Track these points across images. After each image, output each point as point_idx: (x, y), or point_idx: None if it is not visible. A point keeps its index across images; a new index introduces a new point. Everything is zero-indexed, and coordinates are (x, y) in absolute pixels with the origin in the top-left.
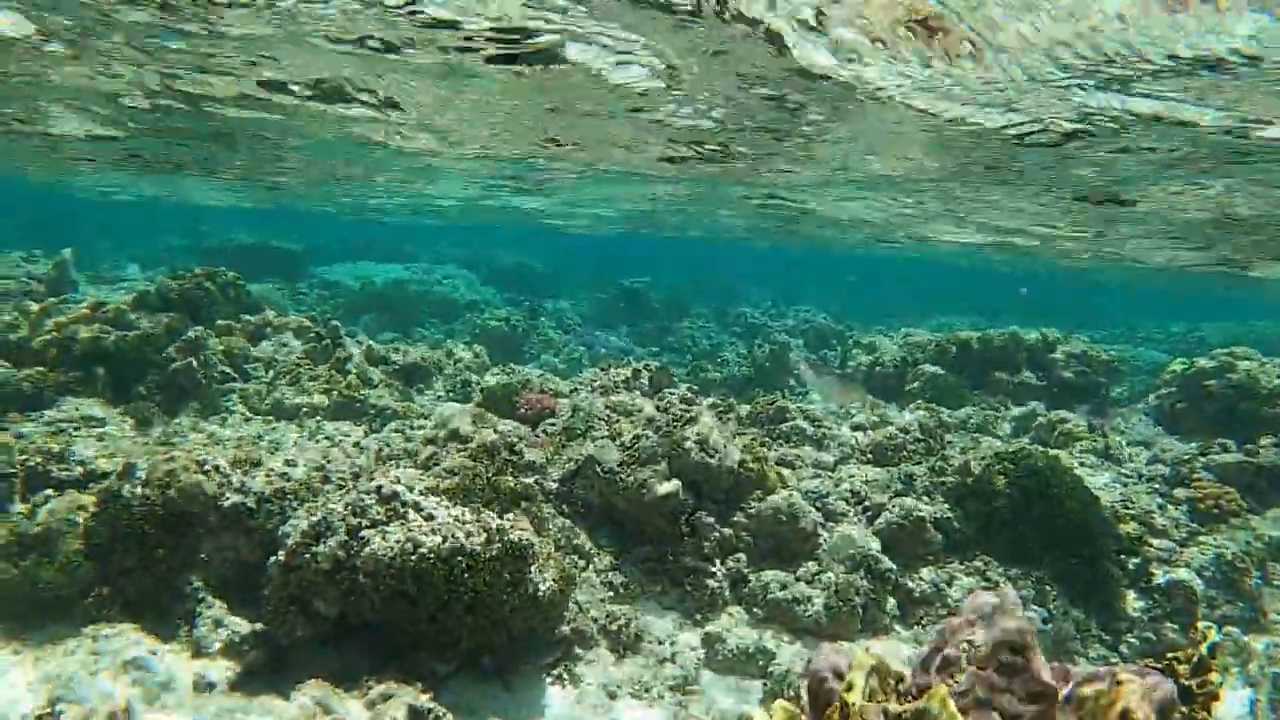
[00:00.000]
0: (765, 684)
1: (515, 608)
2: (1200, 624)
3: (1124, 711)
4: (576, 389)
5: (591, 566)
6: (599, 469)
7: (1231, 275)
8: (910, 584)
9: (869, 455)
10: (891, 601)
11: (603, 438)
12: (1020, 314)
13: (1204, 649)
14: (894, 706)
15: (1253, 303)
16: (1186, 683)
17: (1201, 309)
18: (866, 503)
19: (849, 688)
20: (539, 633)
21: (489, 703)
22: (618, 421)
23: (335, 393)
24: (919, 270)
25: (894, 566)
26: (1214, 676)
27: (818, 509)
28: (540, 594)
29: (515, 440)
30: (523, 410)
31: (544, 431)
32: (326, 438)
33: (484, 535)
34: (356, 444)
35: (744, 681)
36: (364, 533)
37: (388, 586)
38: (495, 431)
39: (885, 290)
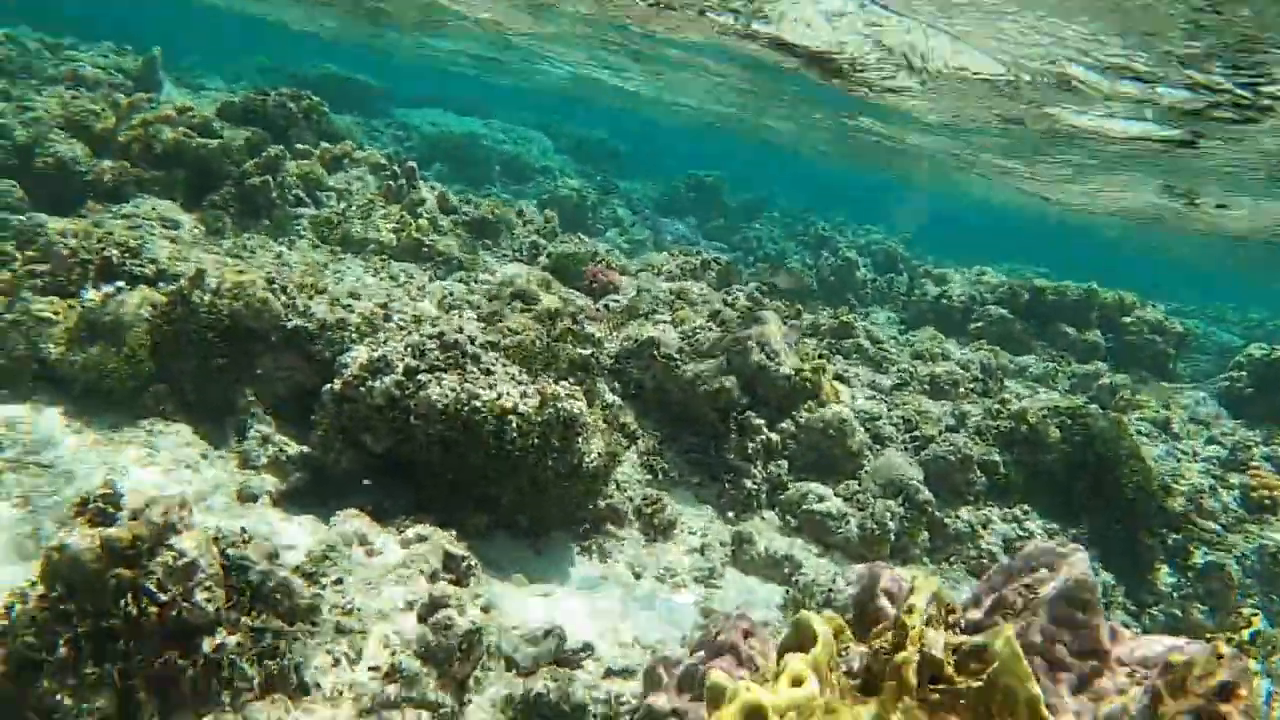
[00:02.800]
0: (788, 591)
1: (558, 475)
2: (1246, 610)
3: (1226, 685)
4: (644, 269)
5: (635, 448)
6: (657, 352)
7: None
8: (946, 520)
9: (926, 386)
10: (925, 534)
11: (665, 322)
12: (1094, 274)
13: (1246, 635)
14: (954, 638)
15: None
16: None
17: None
18: (916, 432)
19: (910, 610)
20: (577, 503)
21: (517, 562)
22: (682, 309)
23: (405, 234)
24: (1009, 217)
25: (933, 499)
26: (1250, 664)
27: (867, 430)
28: (584, 465)
29: (578, 310)
30: (588, 282)
31: (606, 306)
32: (391, 277)
33: (538, 399)
34: (421, 288)
35: (766, 585)
36: (421, 375)
37: (437, 432)
38: (560, 298)
39: (964, 230)
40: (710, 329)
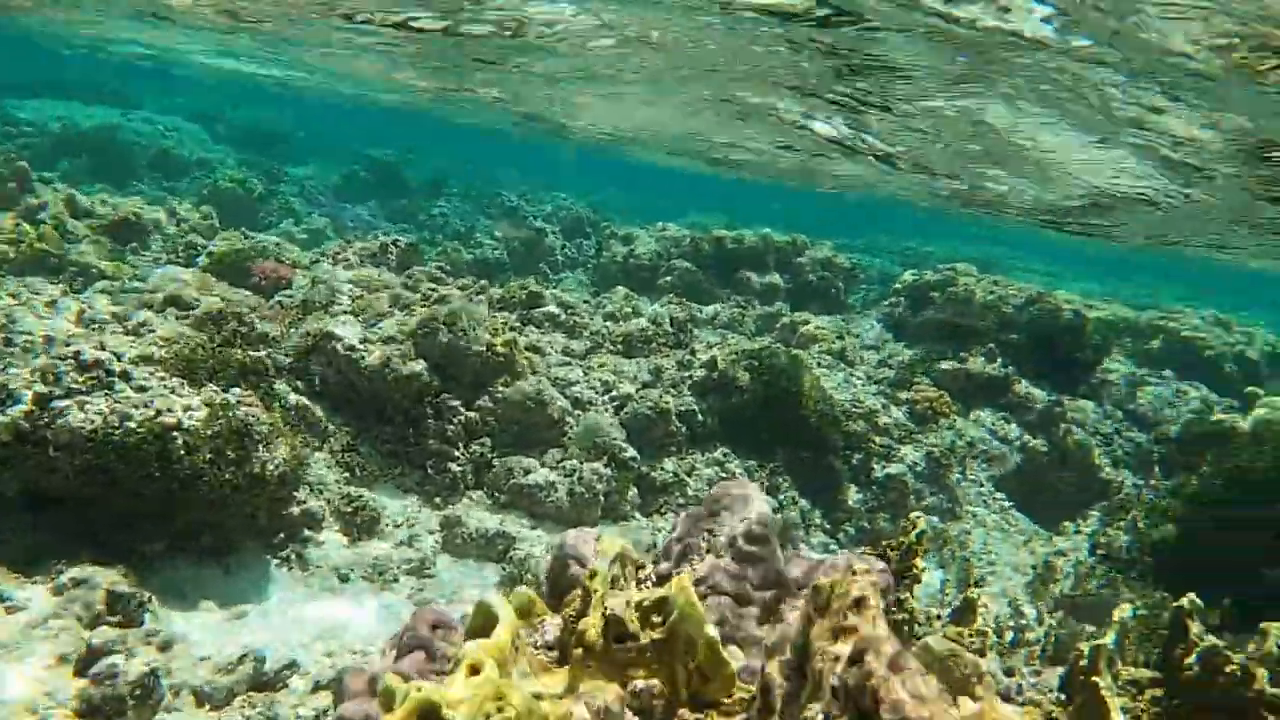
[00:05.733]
0: (504, 568)
1: (238, 488)
2: (912, 514)
3: (858, 600)
4: (318, 260)
5: (327, 446)
6: (339, 345)
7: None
8: (653, 473)
9: (619, 345)
10: (633, 490)
11: (344, 313)
12: (772, 221)
13: (913, 536)
14: (636, 594)
15: (982, 231)
16: (896, 567)
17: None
18: (614, 392)
19: (593, 575)
20: (266, 514)
21: (204, 586)
22: (361, 297)
23: (26, 245)
24: (682, 176)
25: (637, 455)
26: (919, 562)
27: (566, 396)
28: (267, 474)
29: (245, 310)
30: (257, 280)
31: (279, 303)
32: (11, 295)
33: (205, 411)
34: (51, 303)
35: (483, 565)
36: (58, 403)
37: (84, 462)
38: (223, 299)
39: (650, 191)
40: (393, 314)
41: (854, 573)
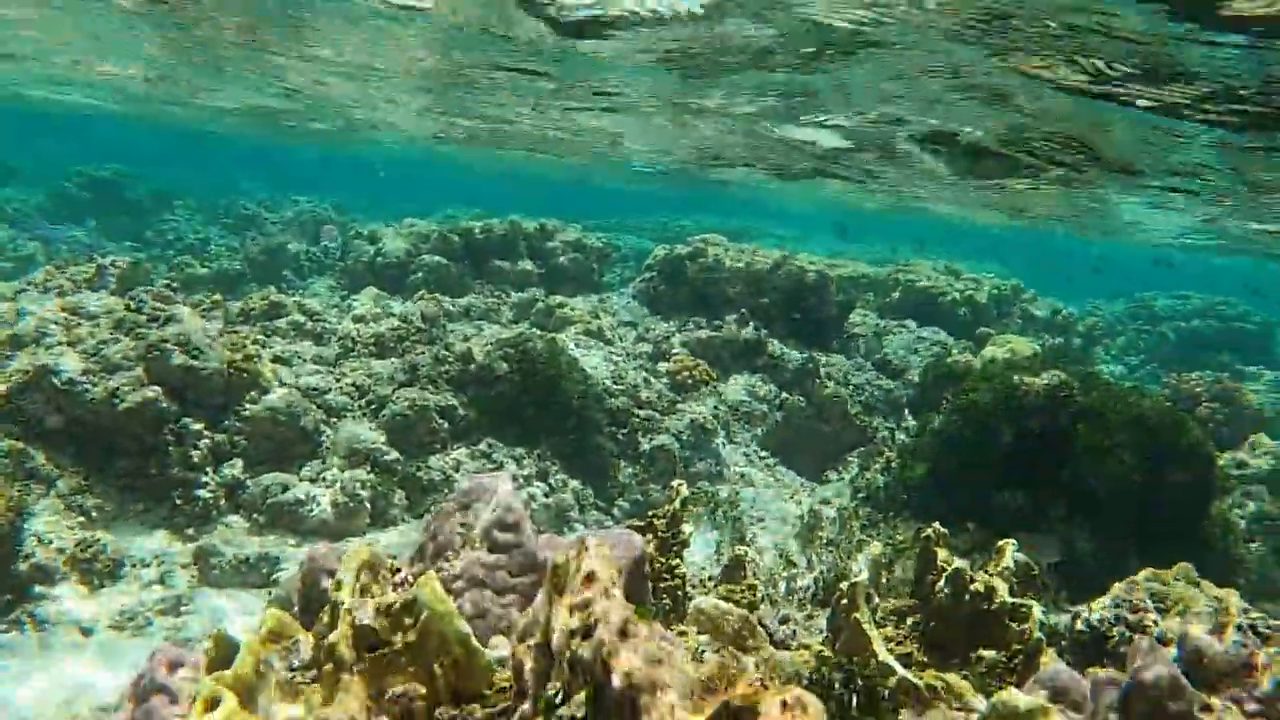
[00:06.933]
0: (270, 592)
1: None
2: (674, 483)
3: (589, 574)
4: (25, 290)
5: (54, 492)
6: (57, 380)
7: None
8: (418, 473)
9: (372, 348)
10: (400, 493)
11: (59, 344)
12: (527, 208)
13: (677, 504)
14: (388, 598)
15: (728, 202)
16: (664, 535)
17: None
18: (370, 395)
19: (338, 586)
20: None
21: None
22: (78, 325)
23: None
24: (439, 168)
25: (400, 457)
26: (686, 527)
27: (319, 406)
28: None
29: None
30: None
31: None
32: None
33: None
34: None
35: (247, 594)
36: None
37: None
38: None
39: (408, 186)
40: (119, 340)
41: (584, 547)
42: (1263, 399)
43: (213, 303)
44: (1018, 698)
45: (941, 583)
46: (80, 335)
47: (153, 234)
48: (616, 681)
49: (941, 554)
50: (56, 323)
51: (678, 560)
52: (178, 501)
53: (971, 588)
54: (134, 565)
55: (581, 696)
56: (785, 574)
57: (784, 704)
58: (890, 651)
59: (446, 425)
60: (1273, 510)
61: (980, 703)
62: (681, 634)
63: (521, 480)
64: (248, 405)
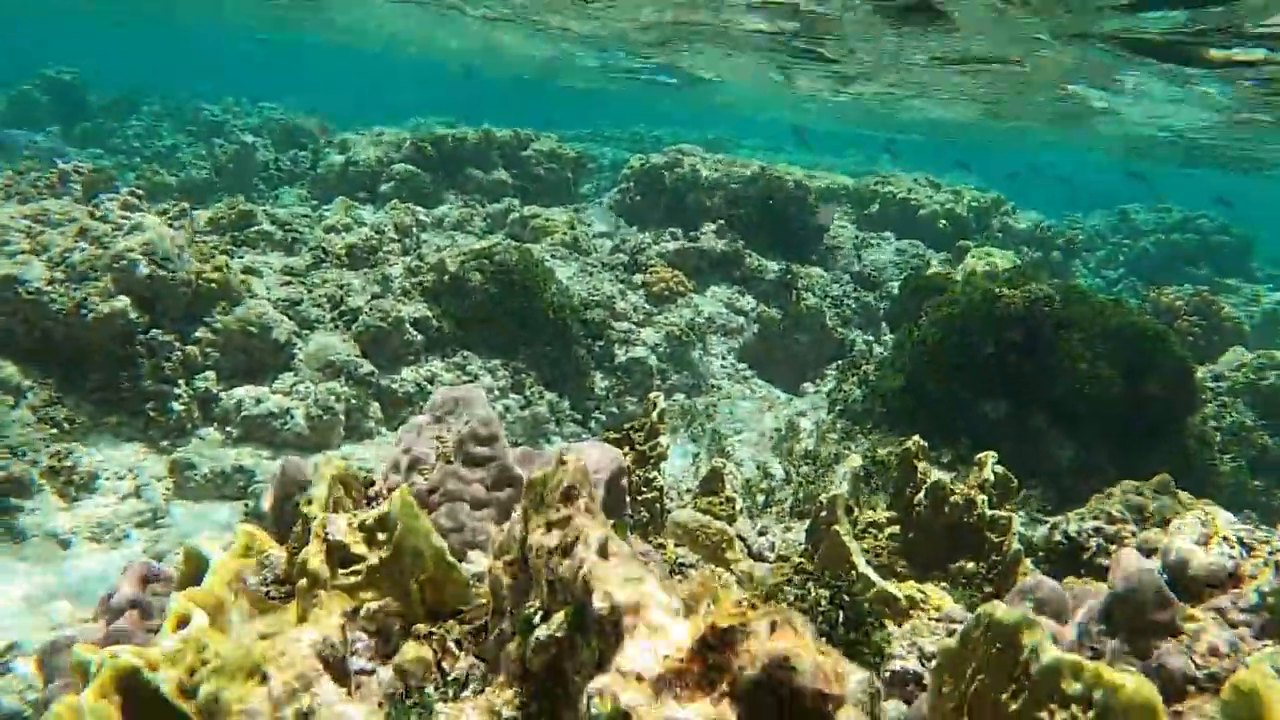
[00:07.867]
0: (247, 504)
1: None
2: (651, 395)
3: (567, 490)
4: None
5: (24, 404)
6: (22, 290)
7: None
8: (393, 385)
9: (343, 258)
10: (375, 405)
11: (23, 253)
12: (500, 118)
13: (654, 416)
14: (360, 515)
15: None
16: (641, 447)
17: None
18: (343, 307)
19: (309, 501)
20: None
21: None
22: (42, 234)
23: None
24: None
25: (374, 369)
26: (663, 440)
27: (290, 317)
28: None
29: None
30: None
31: None
32: None
33: None
34: None
35: (222, 506)
36: None
37: None
38: None
39: (381, 91)
40: (83, 248)
41: (562, 463)
42: (1240, 312)
43: (179, 211)
44: (1001, 609)
45: (920, 495)
46: (45, 243)
47: (118, 140)
48: (598, 602)
49: (920, 466)
50: (19, 230)
51: (655, 473)
52: (151, 414)
53: (952, 499)
54: (109, 478)
55: (561, 616)
56: (764, 486)
57: (773, 625)
58: (869, 564)
59: (420, 337)
60: (1247, 423)
61: (959, 612)
62: (660, 546)
63: (497, 392)
64: (218, 317)
